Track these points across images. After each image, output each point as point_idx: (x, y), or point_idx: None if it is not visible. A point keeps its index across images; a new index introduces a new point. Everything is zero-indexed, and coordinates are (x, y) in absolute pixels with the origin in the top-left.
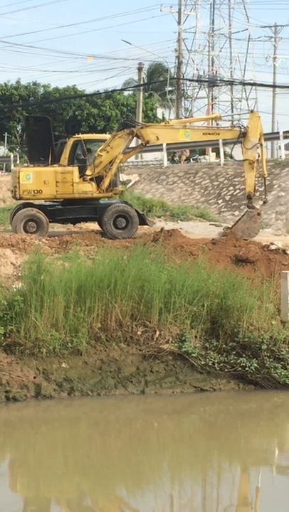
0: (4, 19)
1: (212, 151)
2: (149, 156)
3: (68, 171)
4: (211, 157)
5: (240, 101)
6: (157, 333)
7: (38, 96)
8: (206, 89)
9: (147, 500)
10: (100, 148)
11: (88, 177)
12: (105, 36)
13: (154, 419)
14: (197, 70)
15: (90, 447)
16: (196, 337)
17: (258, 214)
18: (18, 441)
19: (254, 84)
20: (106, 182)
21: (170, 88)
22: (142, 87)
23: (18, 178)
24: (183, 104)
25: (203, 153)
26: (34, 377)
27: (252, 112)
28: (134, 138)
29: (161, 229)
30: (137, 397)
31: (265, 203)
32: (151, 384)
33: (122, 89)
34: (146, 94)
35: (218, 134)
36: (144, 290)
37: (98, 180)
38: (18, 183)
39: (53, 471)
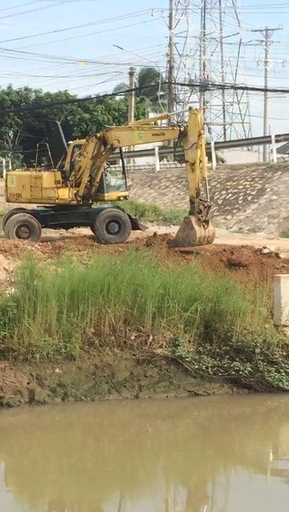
0: None
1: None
2: (141, 161)
3: (38, 176)
4: None
5: (232, 105)
6: (151, 337)
7: (30, 101)
8: (198, 93)
9: (142, 505)
10: (77, 153)
11: (70, 182)
12: (97, 41)
13: (148, 424)
14: (188, 74)
15: (84, 452)
16: (189, 341)
17: (198, 219)
18: (12, 446)
19: (245, 88)
20: (81, 188)
21: (162, 93)
22: (133, 92)
23: (6, 181)
24: (175, 109)
25: None
26: (28, 383)
27: (190, 108)
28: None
29: (154, 233)
30: (131, 401)
31: (208, 207)
32: (145, 389)
33: (114, 94)
34: (137, 98)
35: (164, 134)
36: (138, 295)
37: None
38: (6, 186)
39: (47, 476)
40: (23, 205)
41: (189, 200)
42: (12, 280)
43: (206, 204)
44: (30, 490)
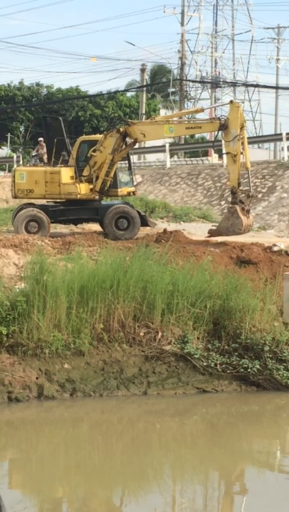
0: (6, 19)
1: (214, 153)
2: (151, 157)
3: (56, 172)
4: (213, 158)
5: (243, 102)
6: (160, 334)
7: (41, 97)
8: (209, 90)
9: (149, 502)
10: (93, 148)
11: (84, 178)
12: (109, 37)
13: (156, 421)
14: (200, 71)
15: (92, 448)
16: (198, 338)
17: (242, 209)
18: (21, 442)
19: (257, 85)
20: (98, 183)
21: (173, 89)
22: (144, 88)
23: (14, 177)
24: (186, 106)
25: (205, 154)
26: (36, 378)
27: (231, 102)
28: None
29: (164, 230)
30: (139, 398)
31: (250, 196)
32: (154, 385)
33: (125, 90)
34: (149, 95)
35: (200, 127)
36: (147, 291)
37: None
38: (14, 182)
39: (55, 472)
40: (33, 201)
41: (230, 191)
42: (22, 275)
43: (250, 194)
44: (38, 485)
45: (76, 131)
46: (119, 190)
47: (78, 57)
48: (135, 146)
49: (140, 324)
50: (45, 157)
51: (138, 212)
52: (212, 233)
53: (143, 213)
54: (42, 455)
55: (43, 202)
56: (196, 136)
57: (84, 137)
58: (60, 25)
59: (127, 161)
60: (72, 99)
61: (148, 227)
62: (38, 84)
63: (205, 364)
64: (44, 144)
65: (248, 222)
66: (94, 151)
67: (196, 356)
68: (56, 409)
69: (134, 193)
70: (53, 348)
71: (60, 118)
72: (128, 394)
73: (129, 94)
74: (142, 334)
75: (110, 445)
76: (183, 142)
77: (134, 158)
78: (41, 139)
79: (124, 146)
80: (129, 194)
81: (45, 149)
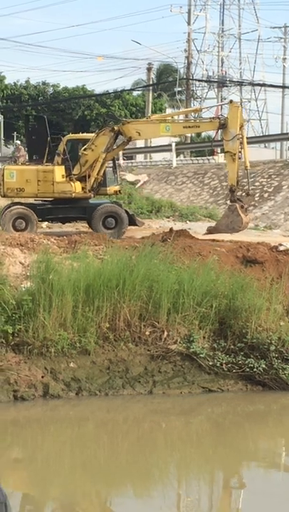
0: (11, 18)
1: (220, 152)
2: (157, 157)
3: (49, 170)
4: (219, 157)
5: (250, 102)
6: (165, 333)
7: (48, 95)
8: (216, 89)
9: (155, 501)
10: (85, 147)
11: (75, 176)
12: (115, 36)
13: (162, 420)
14: (206, 70)
15: (98, 447)
16: (204, 338)
17: (242, 207)
18: (26, 440)
19: (263, 85)
20: (91, 181)
21: (179, 88)
22: (151, 88)
23: (3, 175)
24: (192, 105)
25: (212, 153)
26: (42, 377)
27: (231, 101)
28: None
29: (170, 229)
30: (145, 397)
31: (248, 194)
32: (159, 384)
33: (132, 90)
34: (155, 94)
35: (198, 126)
36: (153, 290)
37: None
38: (3, 180)
39: (60, 471)
40: (20, 200)
41: (229, 189)
42: (28, 274)
43: (249, 192)
44: (43, 484)
45: (82, 130)
46: (108, 188)
47: (85, 56)
48: (142, 145)
49: (146, 323)
50: (21, 159)
51: (126, 211)
52: (211, 231)
53: (131, 212)
54: (47, 454)
55: (31, 201)
56: (203, 135)
57: (70, 136)
58: (65, 24)
59: (111, 160)
60: (79, 98)
61: (154, 226)
62: (44, 83)
63: (211, 363)
64: (21, 147)
65: (246, 220)
66: (85, 149)
67: (201, 355)
68: (62, 408)
69: (120, 191)
70: (58, 346)
71: (45, 116)
72: (134, 393)
73: (135, 93)
74: (147, 333)
75: (116, 444)
76: (189, 141)
77: (140, 157)
78: (18, 142)
79: (119, 145)
80: (116, 193)
81: (22, 152)
